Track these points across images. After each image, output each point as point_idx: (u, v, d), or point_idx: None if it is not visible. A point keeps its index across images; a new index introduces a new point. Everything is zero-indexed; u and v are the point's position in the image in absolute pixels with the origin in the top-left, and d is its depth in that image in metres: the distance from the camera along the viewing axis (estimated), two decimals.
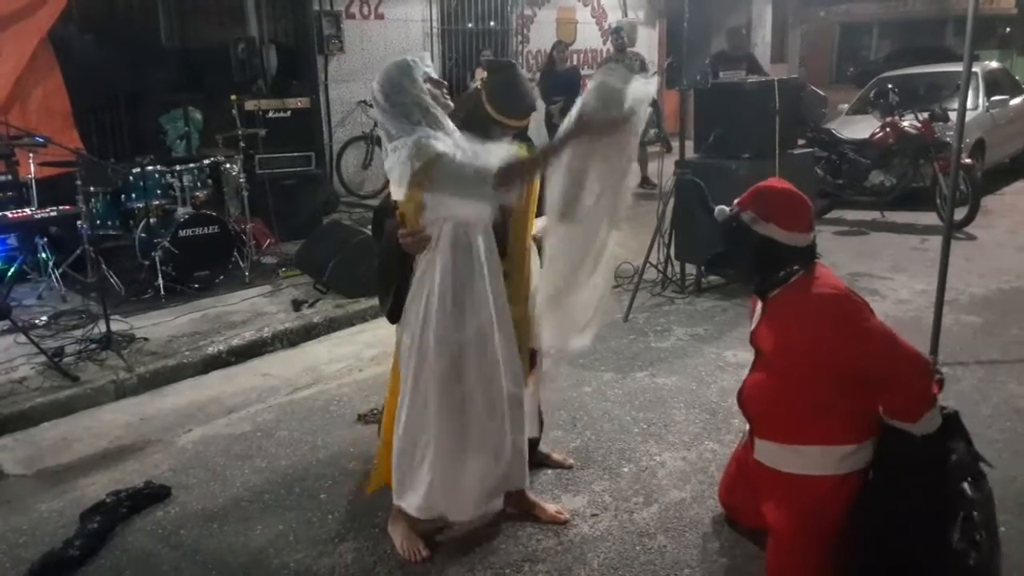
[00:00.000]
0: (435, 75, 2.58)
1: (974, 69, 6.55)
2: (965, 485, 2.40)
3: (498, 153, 2.36)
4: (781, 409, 2.52)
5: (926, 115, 7.55)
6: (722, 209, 2.61)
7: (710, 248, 3.16)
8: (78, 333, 4.76)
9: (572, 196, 2.43)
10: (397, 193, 2.49)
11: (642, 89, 2.35)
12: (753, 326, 2.67)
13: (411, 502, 2.70)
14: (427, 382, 2.59)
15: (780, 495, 2.54)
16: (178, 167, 5.80)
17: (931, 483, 2.37)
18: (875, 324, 2.42)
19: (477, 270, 2.55)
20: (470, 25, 10.38)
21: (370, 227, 2.92)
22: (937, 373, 2.67)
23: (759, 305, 2.67)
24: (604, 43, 12.14)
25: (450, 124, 2.51)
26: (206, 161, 6.07)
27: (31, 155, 5.44)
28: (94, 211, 5.48)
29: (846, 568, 2.45)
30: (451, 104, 2.59)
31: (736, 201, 2.58)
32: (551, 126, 8.44)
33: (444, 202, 2.44)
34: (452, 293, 2.53)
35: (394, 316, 2.68)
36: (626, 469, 3.30)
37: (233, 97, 6.63)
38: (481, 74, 3.05)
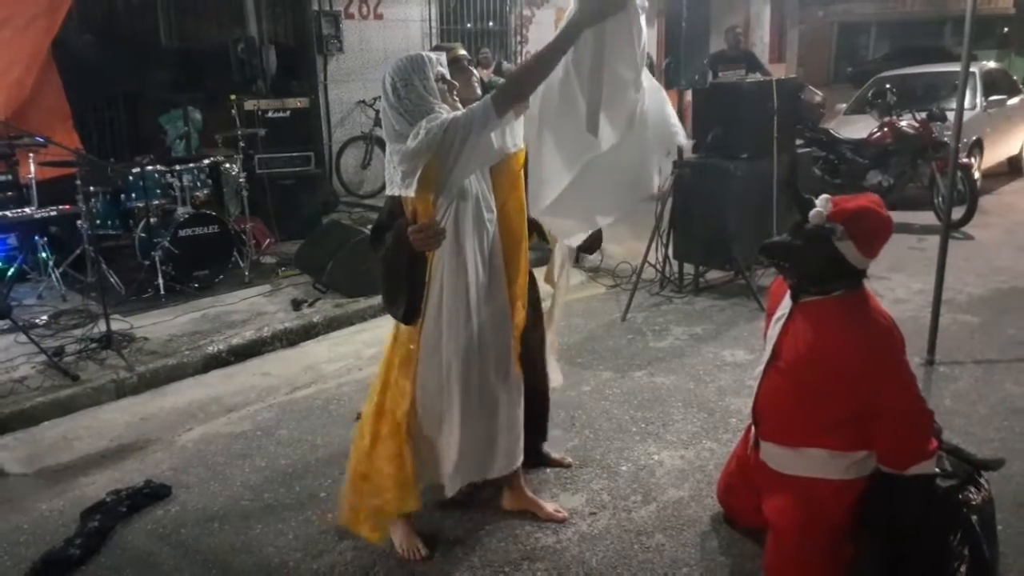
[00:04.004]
0: (448, 75, 2.57)
1: (972, 69, 6.60)
2: (964, 494, 2.43)
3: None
4: (797, 419, 2.49)
5: (924, 115, 7.56)
6: (819, 212, 2.46)
7: (755, 239, 3.03)
8: (78, 332, 4.76)
9: (593, 101, 2.46)
10: (406, 189, 2.44)
11: None
12: (777, 328, 2.58)
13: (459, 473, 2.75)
14: (468, 363, 2.63)
15: (783, 494, 2.53)
16: (178, 167, 5.81)
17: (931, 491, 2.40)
18: (908, 364, 2.44)
19: (494, 249, 2.63)
20: (469, 25, 10.38)
21: (370, 235, 2.87)
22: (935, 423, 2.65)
23: (785, 303, 2.58)
24: None
25: None
26: (206, 161, 6.08)
27: (31, 155, 5.45)
28: (94, 211, 5.49)
29: (845, 568, 2.45)
30: (460, 107, 2.56)
31: (832, 208, 2.45)
32: None
33: (461, 163, 2.42)
34: (488, 271, 2.61)
35: (409, 317, 2.63)
36: (624, 468, 3.32)
37: (232, 97, 6.64)
38: (482, 73, 3.06)
